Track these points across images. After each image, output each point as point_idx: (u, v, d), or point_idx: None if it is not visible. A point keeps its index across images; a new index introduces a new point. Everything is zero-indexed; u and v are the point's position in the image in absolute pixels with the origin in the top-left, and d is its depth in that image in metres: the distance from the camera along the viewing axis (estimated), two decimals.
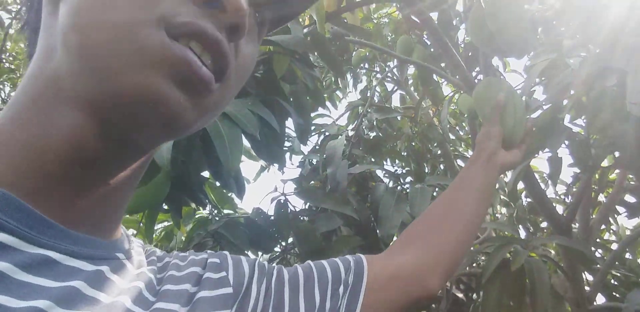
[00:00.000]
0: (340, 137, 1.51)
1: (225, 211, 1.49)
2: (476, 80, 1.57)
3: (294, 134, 1.60)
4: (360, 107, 2.13)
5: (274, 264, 0.52)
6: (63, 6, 0.32)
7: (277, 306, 0.44)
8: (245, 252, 1.28)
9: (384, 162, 1.79)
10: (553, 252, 1.67)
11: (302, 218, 1.37)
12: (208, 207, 1.51)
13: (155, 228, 1.66)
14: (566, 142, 1.18)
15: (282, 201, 1.34)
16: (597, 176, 1.32)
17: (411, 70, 2.19)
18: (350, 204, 1.33)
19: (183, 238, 1.60)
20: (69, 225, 0.31)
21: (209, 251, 0.49)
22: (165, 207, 1.18)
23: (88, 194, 0.33)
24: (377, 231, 1.34)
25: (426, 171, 1.78)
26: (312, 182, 1.55)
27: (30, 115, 0.32)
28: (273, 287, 0.46)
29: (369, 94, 2.24)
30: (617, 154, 1.16)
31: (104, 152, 0.33)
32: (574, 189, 1.56)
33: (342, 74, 1.67)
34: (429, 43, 1.96)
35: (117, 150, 0.33)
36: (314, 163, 1.75)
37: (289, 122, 1.29)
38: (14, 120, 0.32)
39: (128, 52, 0.29)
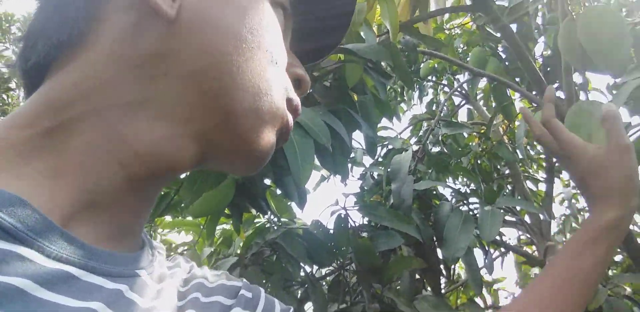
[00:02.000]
0: (406, 152, 1.44)
1: (283, 219, 1.46)
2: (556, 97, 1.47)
3: (357, 145, 1.56)
4: (425, 121, 2.06)
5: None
6: (182, 33, 0.34)
7: None
8: (302, 264, 1.25)
9: (447, 180, 1.71)
10: (629, 289, 1.53)
11: (361, 234, 1.32)
12: (267, 215, 1.49)
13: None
14: None
15: (342, 216, 1.30)
16: None
17: (481, 84, 2.10)
18: (414, 222, 1.26)
19: (241, 244, 1.58)
20: (89, 238, 0.30)
21: (244, 280, 0.46)
22: (227, 211, 1.16)
23: (127, 209, 0.34)
24: (439, 253, 1.27)
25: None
26: (374, 196, 1.50)
27: (105, 127, 0.32)
28: None
29: (434, 108, 2.17)
30: None
31: (175, 173, 0.35)
32: None
33: (412, 85, 1.62)
34: (503, 56, 1.87)
35: (185, 171, 0.37)
36: (376, 177, 1.69)
37: (355, 133, 1.25)
38: (93, 122, 0.32)
39: (264, 111, 0.36)
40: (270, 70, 0.36)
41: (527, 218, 1.73)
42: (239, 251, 1.50)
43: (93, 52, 0.34)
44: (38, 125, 0.32)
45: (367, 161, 1.85)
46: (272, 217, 1.45)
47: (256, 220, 1.52)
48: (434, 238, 1.33)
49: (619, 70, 0.90)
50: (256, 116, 0.35)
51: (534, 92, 1.59)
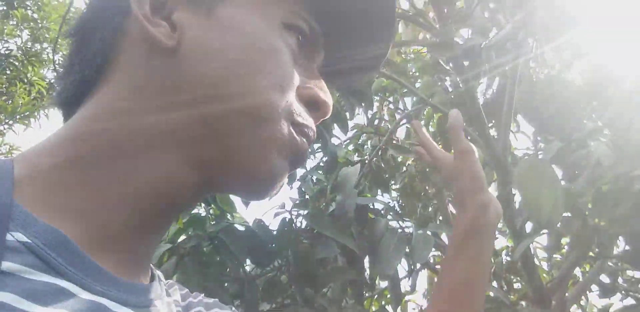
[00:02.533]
0: (353, 166, 1.53)
1: (228, 214, 1.49)
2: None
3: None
4: (366, 134, 2.17)
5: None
6: (185, 63, 0.35)
7: None
8: (242, 263, 1.29)
9: (383, 195, 1.83)
10: None
11: (303, 240, 1.39)
12: (208, 206, 1.51)
13: None
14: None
15: (287, 219, 1.36)
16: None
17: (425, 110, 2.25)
18: (352, 234, 1.36)
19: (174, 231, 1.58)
20: (115, 269, 0.32)
21: (233, 309, 0.50)
22: None
23: (145, 240, 0.36)
24: (368, 267, 1.37)
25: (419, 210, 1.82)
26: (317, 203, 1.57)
27: (119, 158, 0.34)
28: None
29: (376, 123, 2.29)
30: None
31: (187, 203, 0.37)
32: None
33: (371, 101, 1.72)
34: (450, 89, 2.02)
35: (196, 200, 0.37)
36: (314, 180, 1.77)
37: None
38: (95, 160, 0.33)
39: (265, 137, 0.35)
40: (273, 95, 0.35)
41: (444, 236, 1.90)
42: (171, 237, 1.50)
43: (111, 86, 0.36)
44: (61, 155, 0.33)
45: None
46: (208, 208, 1.48)
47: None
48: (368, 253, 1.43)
49: (547, 222, 0.97)
50: (256, 143, 0.35)
51: (472, 128, 1.75)
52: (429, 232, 1.36)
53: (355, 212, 1.58)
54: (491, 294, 1.48)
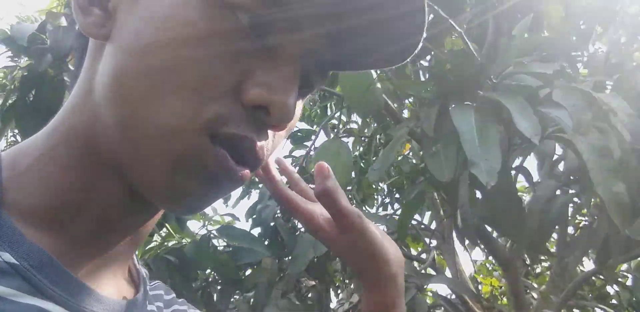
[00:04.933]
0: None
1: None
2: None
3: None
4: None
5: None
6: (108, 59, 0.31)
7: None
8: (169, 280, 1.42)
9: None
10: None
11: (225, 250, 1.52)
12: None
13: None
14: None
15: (205, 236, 1.49)
16: None
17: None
18: (262, 241, 1.48)
19: None
20: (97, 283, 0.33)
21: None
22: None
23: (118, 245, 0.35)
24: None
25: None
26: None
27: (68, 160, 0.32)
28: None
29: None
30: None
31: (140, 206, 0.33)
32: None
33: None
34: None
35: (140, 209, 0.34)
36: None
37: None
38: (51, 160, 0.32)
39: (167, 155, 0.29)
40: (178, 104, 0.28)
41: None
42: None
43: (80, 79, 0.34)
44: (35, 154, 0.32)
45: None
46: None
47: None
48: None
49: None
50: (153, 161, 0.29)
51: None
52: None
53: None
54: None
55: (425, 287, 1.51)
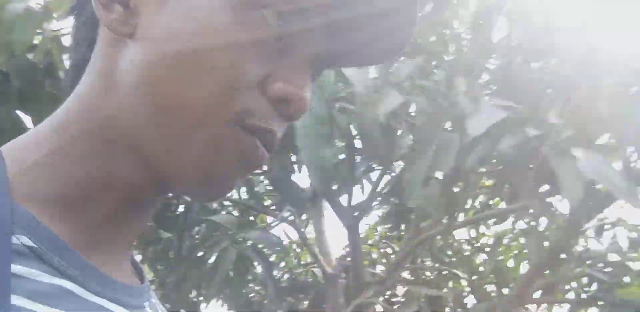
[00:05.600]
0: None
1: None
2: None
3: None
4: None
5: None
6: (135, 51, 0.33)
7: None
8: None
9: None
10: None
11: None
12: None
13: None
14: None
15: None
16: None
17: None
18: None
19: None
20: (108, 270, 0.33)
21: None
22: None
23: (125, 235, 0.36)
24: None
25: None
26: None
27: (87, 152, 0.33)
28: None
29: None
30: None
31: (153, 196, 0.36)
32: None
33: None
34: None
35: (162, 194, 0.36)
36: None
37: None
38: (66, 155, 0.33)
39: (203, 144, 0.32)
40: (211, 98, 0.32)
41: None
42: None
43: (86, 74, 0.35)
44: (44, 149, 0.33)
45: None
46: None
47: None
48: None
49: None
50: (191, 151, 0.32)
51: None
52: None
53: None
54: None
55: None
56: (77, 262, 0.31)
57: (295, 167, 2.24)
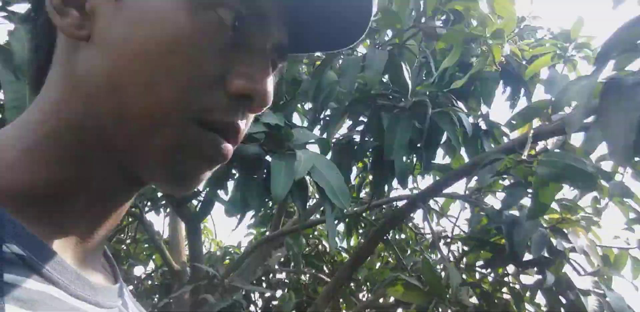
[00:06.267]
0: None
1: None
2: None
3: None
4: None
5: None
6: (93, 54, 0.33)
7: None
8: None
9: None
10: None
11: None
12: None
13: None
14: None
15: None
16: None
17: None
18: None
19: None
20: (85, 271, 0.34)
21: None
22: None
23: (100, 231, 0.37)
24: None
25: None
26: None
27: (58, 152, 0.33)
28: None
29: None
30: None
31: (126, 191, 0.37)
32: None
33: None
34: None
35: (129, 186, 0.37)
36: None
37: None
38: (39, 155, 0.33)
39: (164, 142, 0.33)
40: (170, 96, 0.32)
41: None
42: None
43: (49, 74, 0.36)
44: (17, 146, 0.33)
45: None
46: None
47: None
48: None
49: None
50: (153, 150, 0.33)
51: None
52: None
53: None
54: None
55: None
56: (60, 268, 0.32)
57: None
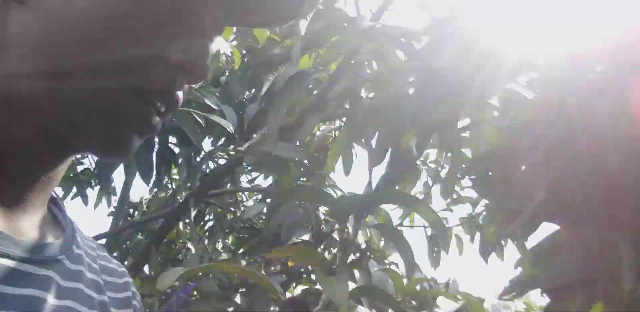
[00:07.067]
0: None
1: None
2: None
3: None
4: None
5: None
6: (27, 17, 0.33)
7: None
8: None
9: None
10: None
11: None
12: None
13: None
14: None
15: None
16: None
17: None
18: None
19: None
20: (12, 231, 0.33)
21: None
22: None
23: (36, 194, 0.36)
24: None
25: None
26: None
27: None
28: None
29: None
30: None
31: (58, 156, 0.36)
32: None
33: None
34: None
35: (59, 151, 0.36)
36: None
37: None
38: None
39: (101, 112, 0.33)
40: (108, 62, 0.33)
41: None
42: None
43: None
44: None
45: None
46: None
47: None
48: None
49: None
50: (86, 117, 0.33)
51: None
52: None
53: None
54: None
55: None
56: None
57: None
